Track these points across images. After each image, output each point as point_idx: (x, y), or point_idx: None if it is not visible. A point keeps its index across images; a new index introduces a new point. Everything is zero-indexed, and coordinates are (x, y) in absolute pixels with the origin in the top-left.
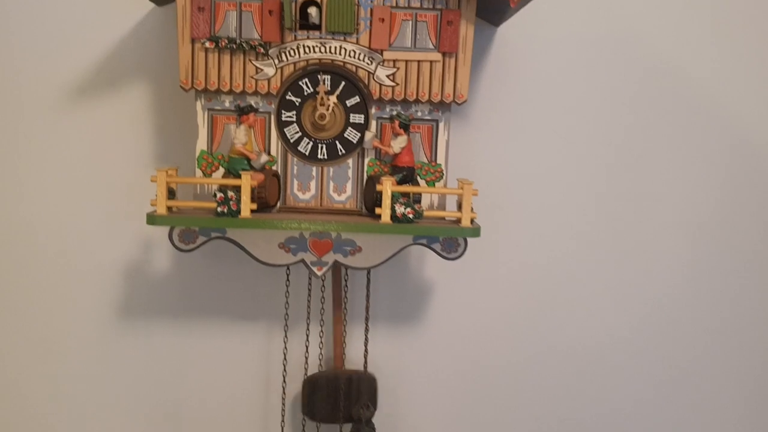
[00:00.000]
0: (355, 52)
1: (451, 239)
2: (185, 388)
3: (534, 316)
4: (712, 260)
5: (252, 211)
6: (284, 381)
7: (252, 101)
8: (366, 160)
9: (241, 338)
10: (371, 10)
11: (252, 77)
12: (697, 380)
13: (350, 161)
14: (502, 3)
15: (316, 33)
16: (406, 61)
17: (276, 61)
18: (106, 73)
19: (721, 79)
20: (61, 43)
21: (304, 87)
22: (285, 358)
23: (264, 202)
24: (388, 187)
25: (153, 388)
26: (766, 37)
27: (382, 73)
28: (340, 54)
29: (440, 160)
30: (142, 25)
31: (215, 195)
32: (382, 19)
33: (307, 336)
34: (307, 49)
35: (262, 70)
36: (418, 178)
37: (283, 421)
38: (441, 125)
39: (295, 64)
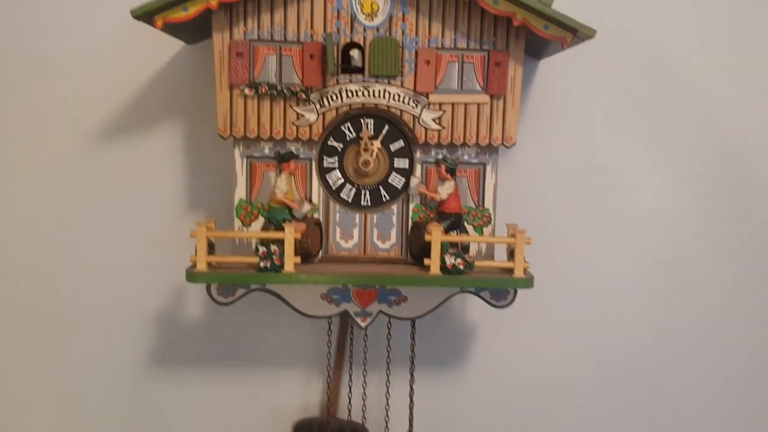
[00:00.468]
0: (399, 95)
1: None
2: None
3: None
4: None
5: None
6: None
7: (292, 147)
8: (411, 206)
9: (279, 385)
10: (416, 52)
11: (293, 123)
12: None
13: (394, 207)
14: (552, 44)
15: (359, 76)
16: (453, 104)
17: (317, 106)
18: (137, 116)
19: None
20: (91, 84)
21: (347, 132)
22: (328, 409)
23: (306, 252)
24: (437, 236)
25: None
26: None
27: (427, 116)
28: (383, 97)
29: (488, 204)
30: (173, 65)
31: (257, 249)
32: (428, 61)
33: (350, 387)
34: (349, 94)
35: (303, 115)
36: (466, 223)
37: None
38: (488, 168)
39: (337, 108)
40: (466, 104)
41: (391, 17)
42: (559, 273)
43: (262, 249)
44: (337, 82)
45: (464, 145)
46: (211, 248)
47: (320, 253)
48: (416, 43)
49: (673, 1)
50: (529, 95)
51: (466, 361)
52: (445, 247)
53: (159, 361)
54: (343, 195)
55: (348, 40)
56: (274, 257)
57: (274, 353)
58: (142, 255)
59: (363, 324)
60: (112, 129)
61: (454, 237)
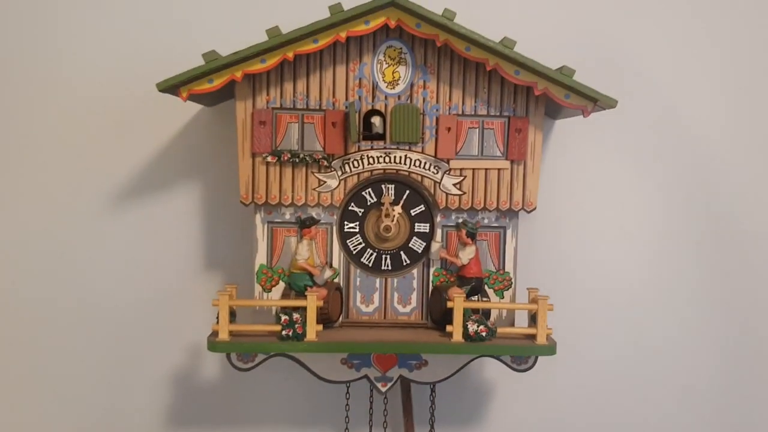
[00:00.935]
0: (420, 161)
1: None
2: None
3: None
4: None
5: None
6: None
7: (313, 213)
8: (431, 270)
9: None
10: (437, 118)
11: (314, 190)
12: None
13: (415, 271)
14: (572, 112)
15: (380, 143)
16: (473, 170)
17: (339, 173)
18: (157, 176)
19: None
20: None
21: (367, 197)
22: None
23: (327, 318)
24: (460, 303)
25: None
26: None
27: (448, 181)
28: (405, 163)
29: (508, 268)
30: (194, 125)
31: (278, 317)
32: (449, 128)
33: None
34: (371, 160)
35: (325, 182)
36: (486, 287)
37: None
38: (509, 232)
39: (358, 175)
40: (486, 170)
41: (412, 85)
42: (580, 331)
43: (284, 317)
44: (359, 149)
45: (484, 209)
46: (232, 315)
47: (340, 318)
48: (437, 110)
49: (684, 56)
50: (546, 154)
51: (484, 419)
52: (467, 314)
53: (175, 422)
54: (363, 259)
55: (369, 107)
56: (296, 326)
57: (293, 414)
58: (161, 315)
59: (383, 389)
60: (132, 188)
61: (476, 303)
